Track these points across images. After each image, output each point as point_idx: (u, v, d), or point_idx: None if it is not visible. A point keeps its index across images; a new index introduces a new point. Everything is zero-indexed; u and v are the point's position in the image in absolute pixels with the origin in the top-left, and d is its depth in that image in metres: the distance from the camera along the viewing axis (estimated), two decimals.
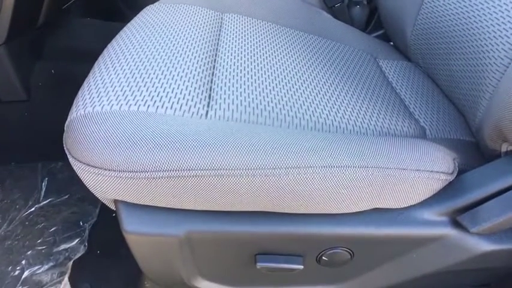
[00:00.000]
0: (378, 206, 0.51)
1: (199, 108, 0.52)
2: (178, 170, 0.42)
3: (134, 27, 0.72)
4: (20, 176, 1.04)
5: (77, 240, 0.88)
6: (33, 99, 1.07)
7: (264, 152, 0.45)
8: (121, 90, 0.51)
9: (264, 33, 0.78)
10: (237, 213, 0.49)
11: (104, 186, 0.45)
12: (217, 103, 0.53)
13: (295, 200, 0.47)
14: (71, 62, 1.09)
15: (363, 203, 0.50)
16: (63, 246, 0.87)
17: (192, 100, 0.52)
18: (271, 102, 0.56)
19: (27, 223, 0.93)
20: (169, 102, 0.51)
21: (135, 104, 0.49)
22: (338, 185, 0.47)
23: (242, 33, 0.76)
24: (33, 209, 0.96)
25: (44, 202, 0.97)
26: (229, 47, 0.70)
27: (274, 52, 0.72)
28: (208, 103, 0.53)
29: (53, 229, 0.91)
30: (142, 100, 0.50)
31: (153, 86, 0.53)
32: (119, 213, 0.49)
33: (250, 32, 0.77)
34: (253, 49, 0.71)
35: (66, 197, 0.98)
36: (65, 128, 0.50)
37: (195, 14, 0.80)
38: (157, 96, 0.51)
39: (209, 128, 0.47)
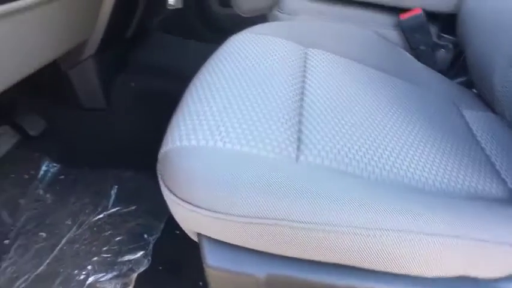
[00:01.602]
0: (464, 274, 0.49)
1: (290, 151, 0.52)
2: (274, 219, 0.43)
3: (224, 57, 0.74)
4: (91, 181, 1.09)
5: (141, 253, 0.91)
6: (111, 109, 1.13)
7: (357, 208, 0.45)
8: (215, 125, 0.53)
9: (348, 72, 0.78)
10: (321, 262, 0.48)
11: (194, 222, 0.47)
12: (307, 147, 0.53)
13: (380, 259, 0.46)
14: (150, 77, 1.14)
15: (450, 270, 0.48)
16: (127, 257, 0.90)
17: (282, 142, 0.53)
18: (360, 151, 0.55)
19: (95, 229, 0.97)
20: (261, 142, 0.51)
21: (229, 142, 0.50)
22: (428, 253, 0.45)
23: (327, 71, 0.76)
24: (101, 215, 1.00)
25: (112, 210, 1.01)
26: (315, 85, 0.70)
27: (359, 94, 0.71)
28: (298, 146, 0.53)
29: (118, 238, 0.94)
30: (236, 138, 0.51)
31: (245, 124, 0.54)
32: (202, 247, 0.50)
33: (335, 71, 0.77)
34: (339, 90, 0.70)
35: (133, 208, 1.01)
36: (160, 158, 0.52)
37: (280, 47, 0.81)
38: (250, 135, 0.52)
39: (302, 176, 0.47)
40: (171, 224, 0.97)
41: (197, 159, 0.47)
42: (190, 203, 0.45)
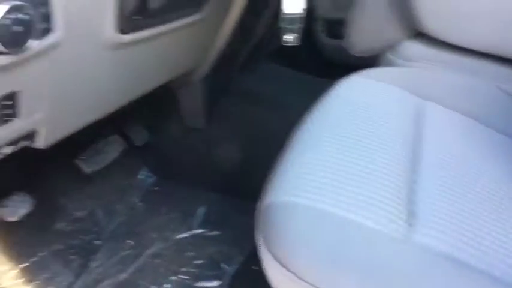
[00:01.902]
0: None
1: (399, 224, 0.47)
2: None
3: (334, 103, 0.71)
4: (182, 198, 1.12)
5: (217, 282, 0.90)
6: (211, 131, 1.16)
7: None
8: (323, 183, 0.50)
9: (470, 135, 0.71)
10: None
11: (287, 285, 0.44)
12: (419, 222, 0.48)
13: None
14: (253, 105, 1.15)
15: None
16: (203, 284, 0.90)
17: (392, 213, 0.48)
18: (485, 239, 0.48)
19: (178, 247, 0.98)
20: (369, 210, 0.47)
21: (336, 206, 0.47)
22: None
23: (446, 131, 0.70)
24: (186, 234, 1.01)
25: (197, 231, 1.02)
26: (432, 147, 0.64)
27: (483, 163, 0.63)
28: (411, 221, 0.48)
29: (198, 262, 0.95)
30: (344, 203, 0.48)
31: (354, 186, 0.50)
32: None
33: (456, 132, 0.70)
34: (460, 155, 0.63)
35: (218, 233, 1.01)
36: (259, 210, 0.50)
37: (395, 97, 0.76)
38: (359, 201, 0.48)
39: (413, 259, 0.43)
40: (252, 258, 0.96)
41: (302, 221, 0.45)
42: (287, 269, 0.42)
